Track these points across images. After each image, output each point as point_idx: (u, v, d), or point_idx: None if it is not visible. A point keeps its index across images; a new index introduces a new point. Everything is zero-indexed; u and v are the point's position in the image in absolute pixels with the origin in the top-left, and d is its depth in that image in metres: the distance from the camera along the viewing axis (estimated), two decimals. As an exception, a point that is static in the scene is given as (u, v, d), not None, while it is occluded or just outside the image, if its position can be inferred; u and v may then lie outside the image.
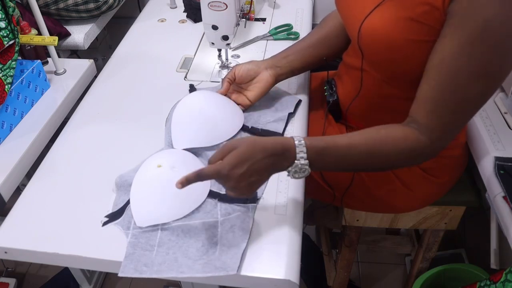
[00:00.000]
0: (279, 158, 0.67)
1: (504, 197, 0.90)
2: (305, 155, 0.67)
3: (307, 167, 0.68)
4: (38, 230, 0.76)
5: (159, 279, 0.73)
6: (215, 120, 0.89)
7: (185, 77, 1.11)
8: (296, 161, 0.67)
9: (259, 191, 0.79)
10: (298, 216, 0.78)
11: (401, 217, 1.09)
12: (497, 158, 0.95)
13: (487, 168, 0.96)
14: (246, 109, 0.96)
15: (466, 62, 0.66)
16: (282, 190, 0.81)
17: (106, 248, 0.72)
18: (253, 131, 0.92)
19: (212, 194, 0.79)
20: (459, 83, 0.67)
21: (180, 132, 0.88)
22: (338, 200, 1.03)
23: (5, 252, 0.74)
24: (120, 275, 0.68)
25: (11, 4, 0.95)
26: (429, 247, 1.22)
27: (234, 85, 0.97)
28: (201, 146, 0.86)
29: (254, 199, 0.78)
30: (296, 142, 0.68)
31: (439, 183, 0.98)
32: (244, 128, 0.92)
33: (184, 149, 0.85)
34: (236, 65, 0.97)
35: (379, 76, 0.83)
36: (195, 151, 0.86)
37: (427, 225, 1.12)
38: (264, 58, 1.15)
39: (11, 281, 1.50)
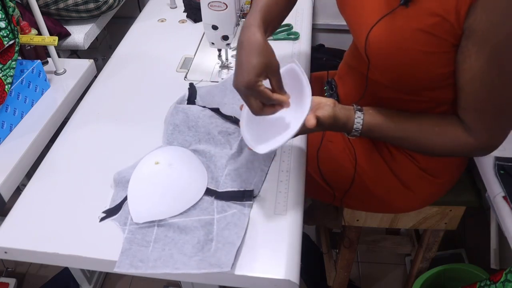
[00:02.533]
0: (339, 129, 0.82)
1: (504, 197, 0.90)
2: (358, 134, 0.81)
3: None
4: (38, 230, 0.76)
5: (159, 279, 0.73)
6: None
7: (185, 77, 1.11)
8: (347, 135, 0.82)
9: (256, 189, 0.80)
10: (298, 216, 0.78)
11: (401, 217, 1.10)
12: (497, 158, 0.96)
13: (487, 168, 0.96)
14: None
15: (497, 73, 0.68)
16: (282, 190, 0.81)
17: (106, 248, 0.72)
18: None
19: (209, 192, 0.80)
20: (494, 92, 0.70)
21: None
22: (338, 200, 1.03)
23: (5, 252, 0.74)
24: (115, 270, 0.69)
25: (11, 4, 0.95)
26: (429, 247, 1.22)
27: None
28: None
29: (250, 197, 0.78)
30: (353, 130, 0.80)
31: (439, 183, 0.98)
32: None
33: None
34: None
35: (385, 82, 0.83)
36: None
37: (427, 225, 1.12)
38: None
39: (11, 281, 1.50)
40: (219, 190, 0.80)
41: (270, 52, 0.74)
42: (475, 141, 0.75)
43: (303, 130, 0.74)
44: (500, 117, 0.73)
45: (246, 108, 0.79)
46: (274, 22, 0.87)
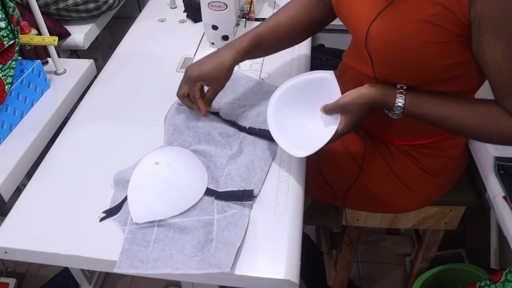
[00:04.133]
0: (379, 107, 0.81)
1: (504, 197, 0.90)
2: (400, 112, 0.79)
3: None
4: (38, 230, 0.76)
5: (159, 279, 0.73)
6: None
7: (185, 77, 1.11)
8: (390, 112, 0.81)
9: (256, 189, 0.80)
10: (298, 216, 0.78)
11: (401, 217, 1.10)
12: (497, 158, 0.96)
13: (487, 168, 0.96)
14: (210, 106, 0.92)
15: None
16: (282, 190, 0.81)
17: (106, 248, 0.72)
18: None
19: (209, 192, 0.80)
20: None
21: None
22: (338, 200, 1.03)
23: (5, 252, 0.74)
24: (115, 270, 0.69)
25: (11, 4, 0.95)
26: (429, 247, 1.22)
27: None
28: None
29: (250, 197, 0.78)
30: (396, 104, 0.79)
31: (439, 183, 0.98)
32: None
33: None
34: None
35: (388, 77, 0.81)
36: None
37: (427, 225, 1.12)
38: (264, 58, 1.16)
39: (11, 281, 1.50)
40: (219, 190, 0.80)
41: (224, 75, 0.86)
42: None
43: (337, 135, 0.80)
44: None
45: (272, 117, 0.85)
46: (260, 51, 0.93)
